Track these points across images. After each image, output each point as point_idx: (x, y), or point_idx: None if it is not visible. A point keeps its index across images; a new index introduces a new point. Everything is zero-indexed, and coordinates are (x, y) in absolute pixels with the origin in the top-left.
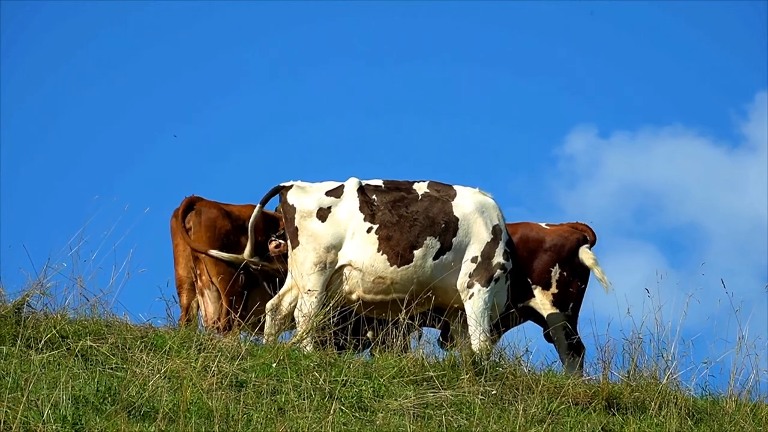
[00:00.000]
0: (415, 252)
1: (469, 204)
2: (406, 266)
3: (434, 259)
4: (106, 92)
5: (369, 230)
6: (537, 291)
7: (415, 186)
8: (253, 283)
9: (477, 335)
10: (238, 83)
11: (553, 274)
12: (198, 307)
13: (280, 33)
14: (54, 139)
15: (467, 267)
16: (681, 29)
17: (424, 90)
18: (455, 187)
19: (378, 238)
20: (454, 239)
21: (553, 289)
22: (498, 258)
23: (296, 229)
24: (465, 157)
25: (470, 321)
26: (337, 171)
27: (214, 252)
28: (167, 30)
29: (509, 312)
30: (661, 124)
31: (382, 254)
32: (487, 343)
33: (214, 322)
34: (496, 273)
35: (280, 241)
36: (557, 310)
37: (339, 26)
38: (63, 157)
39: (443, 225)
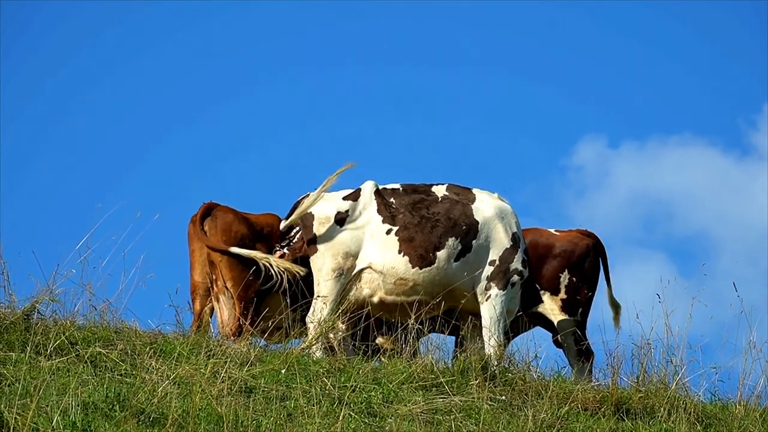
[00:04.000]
0: (438, 253)
1: (489, 209)
2: (429, 268)
3: (456, 261)
4: (110, 94)
5: (388, 232)
6: (546, 296)
7: (434, 189)
8: (268, 290)
9: (491, 340)
10: (244, 85)
11: (562, 279)
12: (211, 313)
13: (287, 34)
14: (62, 142)
15: (486, 271)
16: (690, 38)
17: (432, 97)
18: (474, 190)
19: (399, 240)
20: (474, 242)
21: (562, 295)
22: (516, 264)
23: (314, 235)
24: (473, 167)
25: (485, 324)
26: (346, 175)
27: (234, 249)
28: (172, 31)
29: (517, 316)
30: (670, 133)
31: (403, 256)
32: (499, 349)
33: (229, 328)
34: (513, 278)
35: (285, 251)
36: (567, 316)
37: (348, 29)
38: (71, 162)
39: (464, 227)
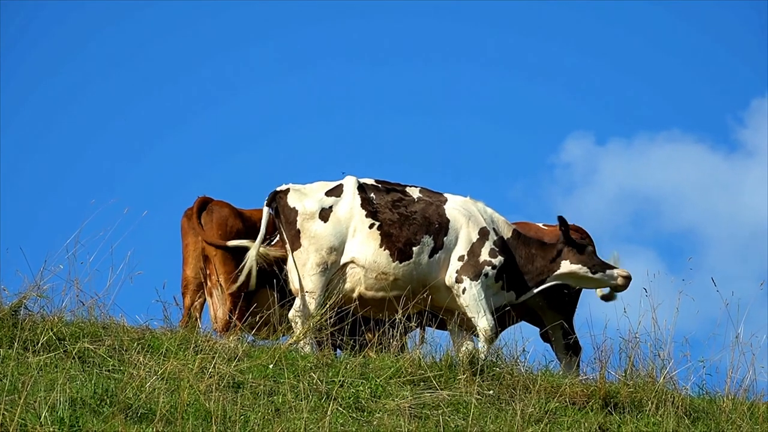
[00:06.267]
0: (414, 249)
1: (458, 208)
2: (407, 262)
3: (429, 257)
4: (104, 94)
5: (371, 226)
6: (534, 290)
7: (408, 189)
8: (259, 285)
9: (481, 323)
10: (237, 85)
11: None
12: (201, 309)
13: (281, 34)
14: (52, 140)
15: (455, 265)
16: (678, 34)
17: (421, 95)
18: (445, 194)
19: (380, 235)
20: (445, 239)
21: None
22: (485, 255)
23: (298, 231)
24: (462, 164)
25: (469, 312)
26: (334, 172)
27: (231, 243)
28: (166, 30)
29: (505, 310)
30: (657, 130)
31: (384, 250)
32: (492, 330)
33: (221, 323)
34: (485, 269)
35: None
36: (554, 312)
37: (341, 28)
38: (61, 159)
39: (437, 225)
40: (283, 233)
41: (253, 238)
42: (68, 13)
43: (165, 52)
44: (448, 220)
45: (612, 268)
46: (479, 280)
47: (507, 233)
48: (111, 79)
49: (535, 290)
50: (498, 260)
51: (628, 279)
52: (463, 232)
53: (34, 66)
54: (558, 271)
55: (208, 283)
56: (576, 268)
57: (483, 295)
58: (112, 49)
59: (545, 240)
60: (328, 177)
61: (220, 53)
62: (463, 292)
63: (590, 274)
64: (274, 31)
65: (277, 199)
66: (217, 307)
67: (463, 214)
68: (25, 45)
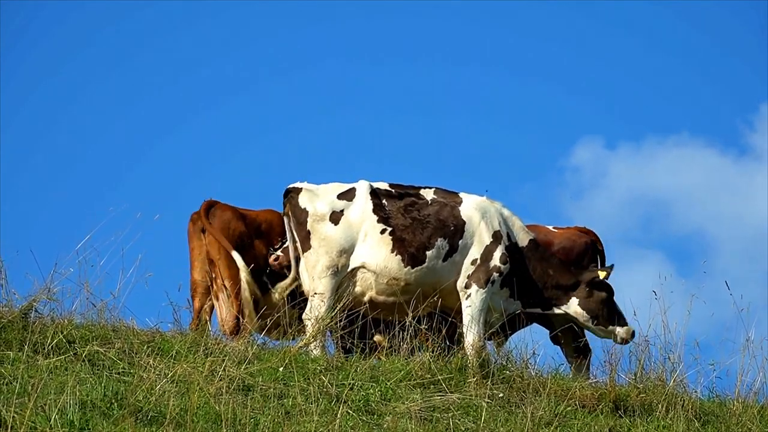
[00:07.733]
0: (428, 253)
1: (473, 209)
2: (420, 267)
3: (444, 260)
4: (104, 94)
5: (383, 232)
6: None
7: (422, 192)
8: (264, 288)
9: (471, 333)
10: (240, 84)
11: None
12: (210, 311)
13: (282, 34)
14: (61, 141)
15: (467, 269)
16: (687, 38)
17: (429, 96)
18: (460, 194)
19: (392, 240)
20: (460, 241)
21: None
22: (495, 261)
23: (308, 232)
24: (471, 167)
25: (465, 319)
26: (341, 173)
27: (235, 254)
28: (166, 30)
29: (515, 313)
30: (667, 134)
31: (396, 255)
32: (479, 342)
33: (227, 326)
34: (493, 276)
35: (279, 254)
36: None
37: (339, 27)
38: (70, 160)
39: (452, 228)
40: (294, 233)
41: (257, 238)
42: (68, 13)
43: (165, 52)
44: (464, 222)
45: (619, 322)
46: (486, 288)
47: (523, 241)
48: (111, 79)
49: (539, 311)
50: (506, 267)
51: (628, 338)
52: (478, 234)
53: (34, 66)
54: (563, 306)
55: (214, 287)
56: (580, 313)
57: (483, 306)
58: (112, 49)
59: (554, 245)
60: (327, 177)
61: (220, 53)
62: (467, 298)
63: (590, 324)
64: (274, 31)
65: (288, 199)
66: (223, 309)
67: (479, 214)
68: (25, 45)
